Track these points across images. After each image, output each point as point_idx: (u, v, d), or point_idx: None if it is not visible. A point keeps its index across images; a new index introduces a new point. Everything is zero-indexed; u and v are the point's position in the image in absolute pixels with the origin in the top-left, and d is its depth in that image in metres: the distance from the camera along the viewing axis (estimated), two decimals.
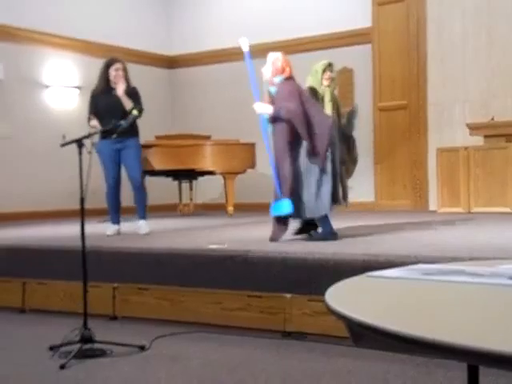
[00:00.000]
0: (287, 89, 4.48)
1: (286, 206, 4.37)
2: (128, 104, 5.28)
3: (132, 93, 5.39)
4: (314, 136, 4.40)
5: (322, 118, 4.50)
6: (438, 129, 8.57)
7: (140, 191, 5.49)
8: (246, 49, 4.65)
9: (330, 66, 4.86)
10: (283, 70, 4.53)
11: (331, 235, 4.51)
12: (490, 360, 0.94)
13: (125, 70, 5.42)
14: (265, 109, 4.48)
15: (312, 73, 4.84)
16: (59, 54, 9.03)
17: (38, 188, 8.55)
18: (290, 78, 4.53)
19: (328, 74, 4.82)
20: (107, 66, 5.41)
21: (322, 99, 4.79)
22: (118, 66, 5.39)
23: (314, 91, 4.79)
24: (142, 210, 5.52)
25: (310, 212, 4.43)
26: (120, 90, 5.30)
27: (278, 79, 4.53)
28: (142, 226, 5.47)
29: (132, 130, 5.39)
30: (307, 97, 4.56)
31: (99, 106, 5.33)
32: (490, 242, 4.31)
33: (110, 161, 5.39)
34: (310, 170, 4.41)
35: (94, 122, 5.28)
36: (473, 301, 1.35)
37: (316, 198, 4.39)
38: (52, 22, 8.83)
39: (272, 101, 4.49)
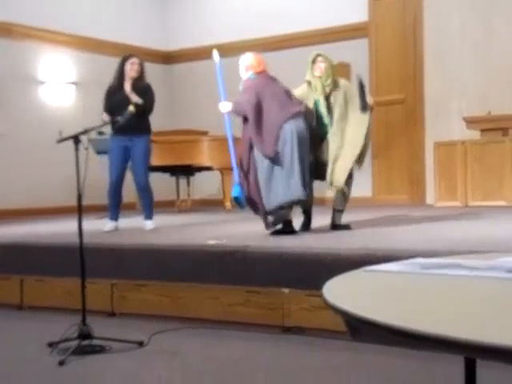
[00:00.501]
0: (246, 84, 4.66)
1: (234, 190, 4.62)
2: (136, 99, 5.25)
3: (144, 89, 5.37)
4: (262, 131, 4.48)
5: (277, 116, 4.47)
6: (435, 123, 8.58)
7: (144, 191, 5.47)
8: (217, 60, 4.98)
9: (318, 56, 4.79)
10: (252, 67, 4.67)
11: (285, 227, 4.56)
12: (486, 353, 0.94)
13: (141, 65, 5.42)
14: (226, 107, 4.70)
15: (306, 64, 4.83)
16: (55, 50, 9.01)
17: (35, 185, 8.55)
18: (259, 74, 4.64)
19: (317, 64, 4.76)
20: (123, 61, 5.42)
21: (315, 90, 4.75)
22: (133, 60, 5.40)
23: (309, 84, 4.79)
24: (149, 210, 5.50)
25: (267, 204, 4.51)
26: (127, 87, 5.29)
27: (245, 76, 4.69)
28: (148, 224, 5.47)
29: (143, 128, 5.38)
30: (273, 93, 4.55)
31: (112, 103, 5.31)
32: (487, 235, 4.32)
33: (117, 158, 5.39)
34: (260, 164, 4.50)
35: (105, 117, 5.25)
36: (470, 294, 1.35)
37: (268, 191, 4.47)
38: (48, 18, 8.81)
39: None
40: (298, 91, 4.81)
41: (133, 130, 5.26)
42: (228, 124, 4.86)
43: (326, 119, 4.74)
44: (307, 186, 4.50)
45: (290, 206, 4.53)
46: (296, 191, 4.41)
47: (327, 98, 4.78)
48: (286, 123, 4.47)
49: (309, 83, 4.80)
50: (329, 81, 4.76)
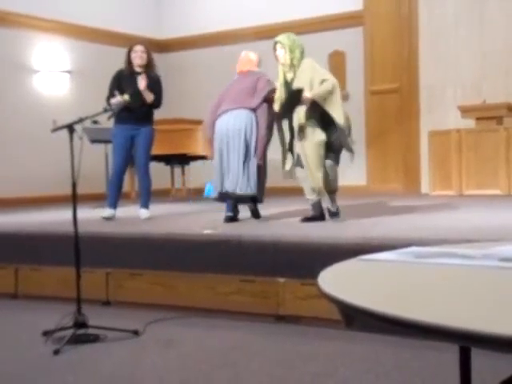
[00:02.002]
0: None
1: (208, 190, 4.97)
2: (149, 97, 5.34)
3: (153, 81, 5.42)
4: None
5: (211, 115, 4.96)
6: (430, 112, 8.58)
7: (145, 178, 5.50)
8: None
9: (275, 43, 4.60)
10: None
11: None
12: (481, 341, 0.95)
13: (147, 53, 5.46)
14: None
15: None
16: (49, 39, 8.95)
17: (29, 174, 8.52)
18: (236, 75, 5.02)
19: (276, 53, 4.60)
20: (129, 51, 5.48)
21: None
22: (138, 47, 5.45)
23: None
24: (145, 199, 5.51)
25: None
26: (142, 84, 5.30)
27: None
28: (143, 213, 5.47)
29: (148, 118, 5.48)
30: (223, 95, 4.97)
31: (123, 89, 5.31)
32: (481, 224, 4.33)
33: (121, 148, 5.41)
34: None
35: (115, 99, 5.22)
36: (464, 283, 1.36)
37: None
38: (42, 6, 8.75)
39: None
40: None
41: (139, 118, 5.35)
42: None
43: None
44: (238, 180, 4.75)
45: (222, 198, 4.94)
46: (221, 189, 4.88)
47: (290, 84, 4.57)
48: (218, 119, 4.86)
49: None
50: (289, 68, 4.53)
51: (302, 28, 9.05)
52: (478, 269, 1.46)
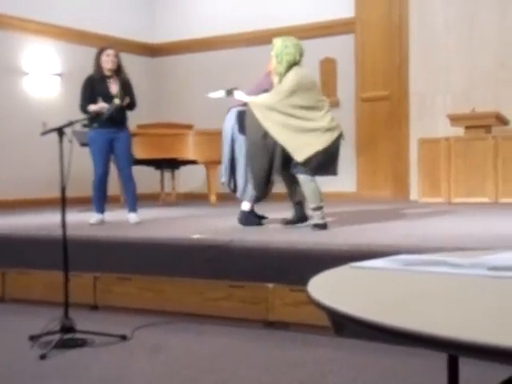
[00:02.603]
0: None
1: None
2: (125, 101, 5.29)
3: (126, 84, 5.41)
4: None
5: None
6: (420, 119, 8.62)
7: (129, 182, 5.47)
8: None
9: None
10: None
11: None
12: (468, 350, 0.95)
13: (117, 57, 5.41)
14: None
15: None
16: (39, 41, 8.92)
17: (18, 177, 8.47)
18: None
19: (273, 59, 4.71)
20: (99, 53, 5.41)
21: None
22: (109, 52, 5.38)
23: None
24: (133, 202, 5.49)
25: None
26: (113, 89, 5.28)
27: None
28: (132, 217, 5.45)
29: (126, 121, 5.46)
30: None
31: (97, 94, 5.28)
32: (469, 232, 4.35)
33: (100, 151, 5.37)
34: None
35: (94, 107, 5.22)
36: (453, 292, 1.36)
37: None
38: (32, 8, 8.71)
39: None
40: None
41: (118, 123, 5.33)
42: None
43: None
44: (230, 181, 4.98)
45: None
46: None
47: None
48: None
49: None
50: (276, 75, 4.61)
51: (293, 34, 9.06)
52: (467, 278, 1.46)
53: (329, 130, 4.45)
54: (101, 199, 5.46)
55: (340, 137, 4.52)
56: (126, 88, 5.38)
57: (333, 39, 9.04)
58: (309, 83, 4.54)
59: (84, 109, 5.27)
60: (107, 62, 5.35)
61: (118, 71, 5.40)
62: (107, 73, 5.36)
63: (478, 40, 8.25)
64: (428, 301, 1.28)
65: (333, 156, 4.49)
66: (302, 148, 4.40)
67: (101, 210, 5.46)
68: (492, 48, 8.16)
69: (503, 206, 6.78)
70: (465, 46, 8.32)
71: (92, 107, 5.21)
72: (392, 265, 1.64)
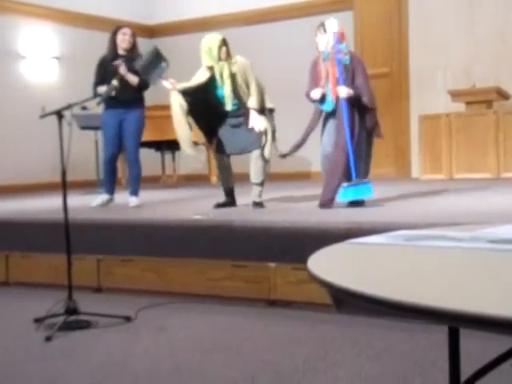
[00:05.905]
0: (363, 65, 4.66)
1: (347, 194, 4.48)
2: (133, 81, 5.22)
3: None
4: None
5: None
6: (420, 96, 8.58)
7: (134, 165, 5.43)
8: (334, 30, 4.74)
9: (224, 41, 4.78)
10: (344, 38, 4.62)
11: None
12: (469, 322, 0.96)
13: (133, 37, 5.36)
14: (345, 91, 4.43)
15: (205, 50, 4.78)
16: (36, 24, 8.86)
17: (18, 161, 8.47)
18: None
19: (224, 49, 4.75)
20: (115, 32, 5.35)
21: (221, 75, 4.79)
22: (125, 30, 5.34)
23: (211, 69, 4.82)
24: (135, 186, 5.44)
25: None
26: (122, 70, 5.16)
27: (344, 47, 4.59)
28: (133, 201, 5.43)
29: (137, 101, 5.38)
30: None
31: (108, 75, 5.17)
32: (471, 207, 4.35)
33: (111, 134, 5.35)
34: None
35: (103, 88, 5.15)
36: (453, 265, 1.37)
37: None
38: None
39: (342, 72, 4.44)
40: None
41: (127, 103, 5.27)
42: (345, 110, 4.41)
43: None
44: None
45: None
46: None
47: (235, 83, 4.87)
48: None
49: (210, 68, 4.91)
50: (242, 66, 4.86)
51: (291, 13, 9.02)
52: (467, 251, 1.47)
53: None
54: (111, 181, 5.46)
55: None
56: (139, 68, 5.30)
57: (331, 17, 8.96)
58: None
59: (94, 91, 5.24)
60: (123, 41, 5.30)
61: (133, 51, 5.34)
62: (122, 52, 5.31)
63: (478, 15, 8.18)
64: (428, 274, 1.28)
65: None
66: None
67: (110, 191, 5.47)
68: (492, 23, 8.09)
69: (505, 181, 6.77)
70: (465, 22, 8.25)
71: (99, 89, 5.17)
72: (392, 240, 1.65)
